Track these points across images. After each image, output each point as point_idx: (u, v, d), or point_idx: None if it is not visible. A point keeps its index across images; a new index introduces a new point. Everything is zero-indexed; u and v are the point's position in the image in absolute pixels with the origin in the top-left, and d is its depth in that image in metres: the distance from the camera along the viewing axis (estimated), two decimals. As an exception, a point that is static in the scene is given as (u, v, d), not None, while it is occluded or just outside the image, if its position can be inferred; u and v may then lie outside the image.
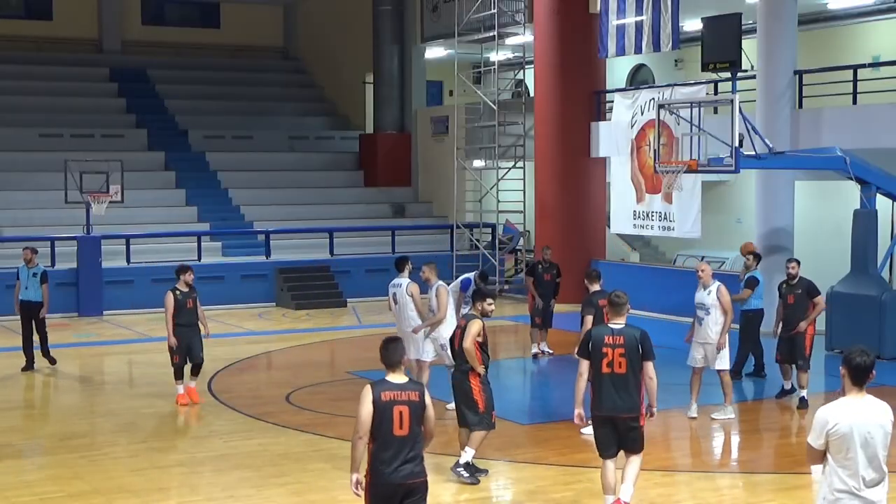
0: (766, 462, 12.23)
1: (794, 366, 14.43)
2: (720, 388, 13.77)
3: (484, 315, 11.10)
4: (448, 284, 18.20)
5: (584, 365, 9.58)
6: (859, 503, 6.46)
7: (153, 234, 25.76)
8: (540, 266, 18.41)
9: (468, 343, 10.88)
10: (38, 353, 17.31)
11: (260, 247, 26.35)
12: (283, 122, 33.62)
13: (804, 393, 14.20)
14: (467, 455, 10.89)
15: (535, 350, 18.41)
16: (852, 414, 6.46)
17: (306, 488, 10.98)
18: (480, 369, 10.92)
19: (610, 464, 9.57)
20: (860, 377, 6.52)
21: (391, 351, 7.65)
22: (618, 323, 9.54)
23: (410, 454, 7.48)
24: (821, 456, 6.56)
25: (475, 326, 10.94)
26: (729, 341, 13.69)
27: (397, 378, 7.58)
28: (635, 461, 9.67)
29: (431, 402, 7.67)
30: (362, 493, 7.55)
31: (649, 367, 9.44)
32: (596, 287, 13.35)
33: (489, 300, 11.22)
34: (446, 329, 13.63)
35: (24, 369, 17.17)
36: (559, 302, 18.95)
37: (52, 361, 17.51)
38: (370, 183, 31.27)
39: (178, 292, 14.66)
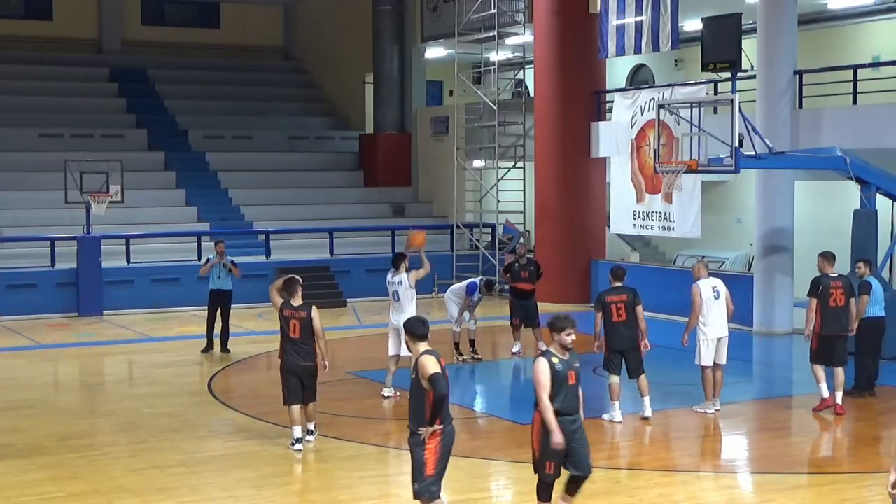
0: (767, 462, 12.23)
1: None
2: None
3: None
4: (449, 286, 18.32)
5: (814, 303, 13.82)
6: None
7: (153, 234, 25.76)
8: (517, 264, 18.34)
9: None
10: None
11: (260, 247, 26.34)
12: (283, 122, 33.60)
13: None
14: None
15: (515, 349, 18.30)
16: None
17: (306, 488, 10.99)
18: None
19: (840, 372, 13.63)
20: None
21: (290, 285, 12.25)
22: (834, 272, 13.97)
23: (301, 350, 12.09)
24: None
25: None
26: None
27: (296, 302, 12.17)
28: (841, 373, 13.68)
29: (318, 317, 12.07)
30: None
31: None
32: (615, 283, 13.65)
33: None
34: None
35: (203, 351, 18.82)
36: (540, 300, 18.72)
37: (226, 350, 18.75)
38: (370, 183, 31.26)
39: (554, 360, 9.10)
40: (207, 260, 19.19)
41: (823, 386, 13.83)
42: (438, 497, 8.62)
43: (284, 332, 12.14)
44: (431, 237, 28.53)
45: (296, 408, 12.15)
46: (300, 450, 12.04)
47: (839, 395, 13.73)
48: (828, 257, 14.15)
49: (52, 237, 24.13)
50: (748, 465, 12.29)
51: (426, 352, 8.62)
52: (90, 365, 18.67)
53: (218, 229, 27.20)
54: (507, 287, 26.68)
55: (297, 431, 12.11)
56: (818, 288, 13.99)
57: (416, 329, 8.73)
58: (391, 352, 14.86)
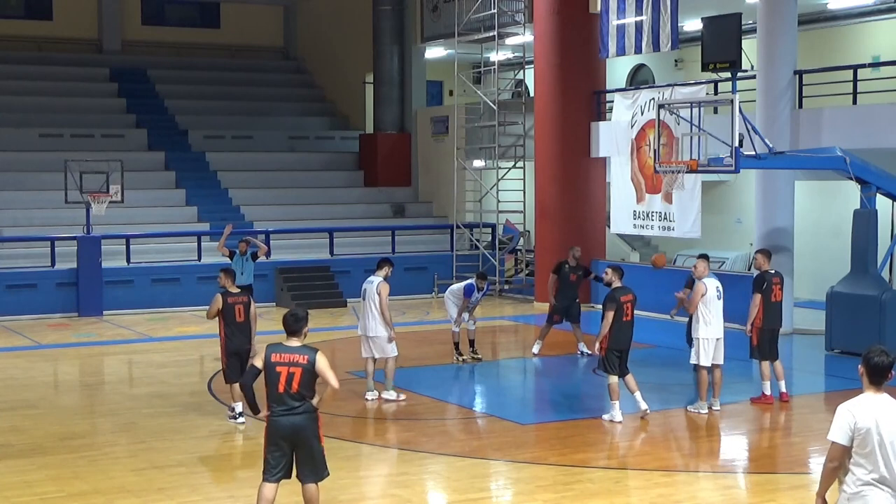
0: (766, 462, 12.23)
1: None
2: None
3: None
4: (449, 287, 18.32)
5: (758, 298, 14.27)
6: (883, 495, 6.50)
7: (153, 234, 25.77)
8: (566, 266, 18.41)
9: None
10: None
11: (260, 247, 26.33)
12: (283, 122, 33.61)
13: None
14: None
15: (536, 349, 18.36)
16: (873, 411, 6.54)
17: (306, 488, 10.95)
18: None
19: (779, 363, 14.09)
20: (878, 377, 6.69)
21: (228, 274, 13.63)
22: (772, 269, 14.32)
23: (243, 334, 13.22)
24: (843, 453, 6.56)
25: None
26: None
27: (234, 289, 13.41)
28: (780, 364, 14.38)
29: (254, 304, 13.37)
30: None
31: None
32: (618, 283, 13.48)
33: None
34: None
35: None
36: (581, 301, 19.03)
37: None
38: (370, 183, 31.27)
39: None
40: (233, 253, 18.93)
41: (768, 384, 14.43)
42: (266, 482, 9.20)
43: (230, 318, 13.22)
44: (431, 237, 28.64)
45: (237, 385, 13.06)
46: (243, 422, 13.22)
47: (783, 384, 14.56)
48: (766, 254, 15.00)
49: (52, 237, 24.13)
50: (748, 465, 12.29)
51: (271, 345, 8.92)
52: (90, 365, 18.67)
53: (218, 229, 27.17)
54: (507, 288, 26.89)
55: (240, 406, 13.20)
56: (763, 284, 14.59)
57: (286, 324, 8.95)
58: (363, 354, 14.90)
